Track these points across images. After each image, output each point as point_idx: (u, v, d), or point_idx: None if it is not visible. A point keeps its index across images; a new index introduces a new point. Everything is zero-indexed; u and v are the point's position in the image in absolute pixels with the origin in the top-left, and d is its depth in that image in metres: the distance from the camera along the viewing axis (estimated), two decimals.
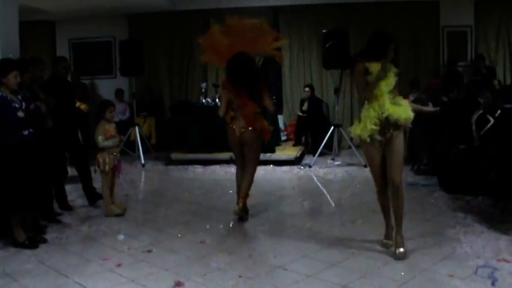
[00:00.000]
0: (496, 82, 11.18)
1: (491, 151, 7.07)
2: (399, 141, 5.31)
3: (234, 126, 6.74)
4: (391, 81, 5.22)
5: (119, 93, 13.51)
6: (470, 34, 13.25)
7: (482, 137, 7.59)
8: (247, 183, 6.80)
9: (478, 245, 5.54)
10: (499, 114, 7.37)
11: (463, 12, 13.17)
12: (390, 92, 5.21)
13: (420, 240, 5.80)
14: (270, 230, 6.55)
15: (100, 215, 7.24)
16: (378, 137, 5.24)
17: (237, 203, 6.74)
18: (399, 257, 5.23)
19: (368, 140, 5.27)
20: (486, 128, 7.50)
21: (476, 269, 4.84)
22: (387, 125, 5.22)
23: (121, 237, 6.37)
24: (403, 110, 5.25)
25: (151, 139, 13.22)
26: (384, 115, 5.17)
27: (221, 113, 6.87)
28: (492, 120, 7.43)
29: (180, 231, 6.45)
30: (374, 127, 5.19)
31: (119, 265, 5.27)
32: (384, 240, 5.63)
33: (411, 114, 5.28)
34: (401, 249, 5.27)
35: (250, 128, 6.69)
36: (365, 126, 5.26)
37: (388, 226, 5.62)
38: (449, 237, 5.87)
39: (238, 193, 6.92)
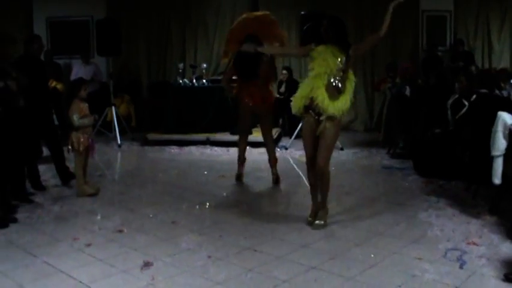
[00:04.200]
0: (473, 68, 11.19)
1: (465, 135, 7.10)
2: (331, 128, 5.42)
3: (246, 100, 7.50)
4: (329, 61, 5.34)
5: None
6: (450, 19, 13.26)
7: (457, 121, 7.61)
8: (272, 150, 7.90)
9: (449, 228, 5.57)
10: (474, 99, 7.38)
11: None
12: (336, 72, 5.33)
13: (392, 223, 5.84)
14: (242, 211, 6.53)
15: (73, 195, 7.16)
16: (311, 112, 5.43)
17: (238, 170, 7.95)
18: (316, 228, 5.57)
19: (301, 109, 5.48)
20: (461, 113, 7.52)
21: (446, 252, 4.87)
22: (316, 108, 5.38)
23: (93, 217, 6.31)
24: (334, 104, 5.31)
25: (132, 121, 13.07)
26: (313, 97, 5.36)
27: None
28: (467, 105, 7.45)
29: (153, 211, 6.42)
30: (303, 100, 5.43)
31: (89, 245, 5.23)
32: (309, 218, 5.78)
33: (342, 109, 5.36)
34: (322, 222, 5.62)
35: (262, 101, 7.52)
36: (296, 97, 5.53)
37: (314, 204, 5.80)
38: (421, 220, 5.90)
39: (241, 161, 7.94)
